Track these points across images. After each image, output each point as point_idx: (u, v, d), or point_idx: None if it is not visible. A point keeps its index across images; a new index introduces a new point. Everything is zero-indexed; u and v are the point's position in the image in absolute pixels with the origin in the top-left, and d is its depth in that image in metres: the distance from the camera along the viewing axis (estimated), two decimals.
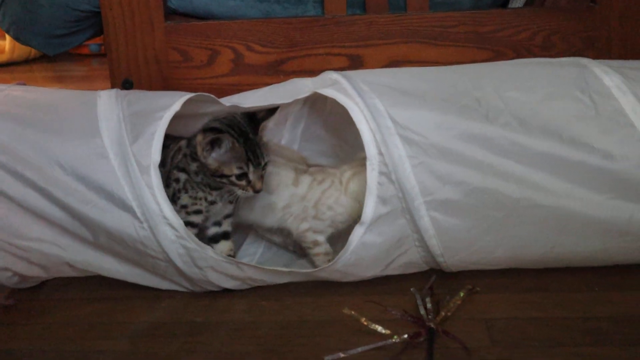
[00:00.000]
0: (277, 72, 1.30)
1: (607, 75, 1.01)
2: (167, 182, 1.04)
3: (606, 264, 1.05)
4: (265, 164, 1.03)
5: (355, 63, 1.29)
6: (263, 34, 1.28)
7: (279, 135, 1.26)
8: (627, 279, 1.04)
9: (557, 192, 0.97)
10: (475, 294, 1.02)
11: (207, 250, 1.00)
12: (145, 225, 0.98)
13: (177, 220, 0.97)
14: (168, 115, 0.99)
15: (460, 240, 1.00)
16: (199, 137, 1.02)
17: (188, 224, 1.03)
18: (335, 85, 1.04)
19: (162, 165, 1.01)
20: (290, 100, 1.07)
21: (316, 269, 1.04)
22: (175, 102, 1.00)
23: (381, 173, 0.97)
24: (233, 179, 1.01)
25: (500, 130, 0.98)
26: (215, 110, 1.08)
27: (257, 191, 1.02)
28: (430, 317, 0.96)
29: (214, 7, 1.32)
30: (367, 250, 1.00)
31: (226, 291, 1.05)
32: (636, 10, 1.25)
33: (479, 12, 1.27)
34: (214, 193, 1.06)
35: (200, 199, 1.06)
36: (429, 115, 0.99)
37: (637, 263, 1.05)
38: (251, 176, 1.01)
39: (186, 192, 1.05)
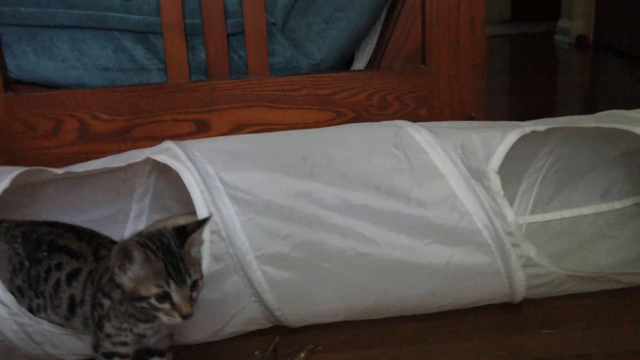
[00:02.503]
0: (124, 139, 1.41)
1: (418, 133, 1.18)
2: (92, 303, 0.97)
3: (438, 309, 1.19)
4: (195, 283, 0.92)
5: (202, 127, 1.42)
6: (108, 102, 1.39)
7: (127, 207, 1.36)
8: (459, 327, 1.17)
9: (379, 240, 1.11)
10: (318, 353, 1.12)
11: (43, 324, 1.05)
12: None
13: (7, 297, 1.03)
14: None
15: (294, 293, 1.12)
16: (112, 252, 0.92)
17: (115, 354, 0.97)
18: (169, 152, 1.16)
19: (91, 282, 0.98)
20: (123, 164, 1.18)
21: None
22: (4, 179, 1.08)
23: (212, 231, 1.08)
24: (153, 301, 0.89)
25: (324, 185, 1.12)
26: (51, 178, 1.17)
27: (184, 316, 0.90)
28: None
29: (57, 77, 1.43)
30: (203, 305, 1.09)
31: None
32: (460, 72, 1.44)
33: (318, 76, 1.44)
34: (142, 326, 0.96)
35: (125, 330, 0.96)
36: (257, 175, 1.12)
37: (465, 308, 1.19)
38: (174, 296, 0.89)
39: (109, 320, 0.96)
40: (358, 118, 1.44)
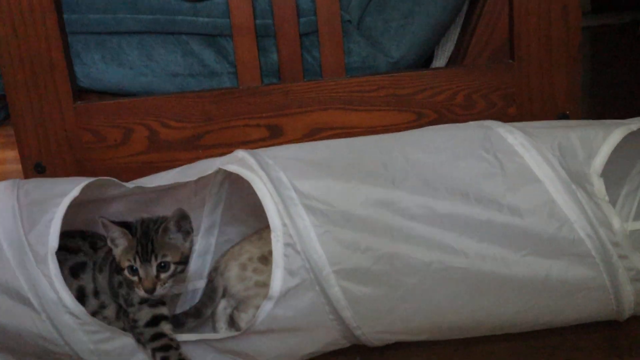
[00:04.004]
0: (195, 147, 1.40)
1: (510, 134, 1.12)
2: (111, 289, 1.14)
3: (533, 327, 1.13)
4: (163, 266, 1.09)
5: (275, 133, 1.40)
6: (177, 109, 1.38)
7: (198, 220, 1.35)
8: (557, 348, 1.11)
9: (469, 252, 1.06)
10: None
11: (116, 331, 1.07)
12: (43, 316, 1.05)
13: (77, 308, 1.04)
14: (66, 201, 1.08)
15: (375, 310, 1.08)
16: None
17: (157, 317, 1.12)
18: (241, 162, 1.15)
19: (100, 270, 1.14)
20: (194, 178, 1.17)
21: (220, 336, 1.12)
22: (74, 188, 1.09)
23: (286, 244, 1.05)
24: (126, 272, 1.09)
25: (406, 193, 1.08)
26: (120, 193, 1.17)
27: (147, 290, 1.08)
28: None
29: (126, 84, 1.43)
30: (278, 323, 1.07)
31: None
32: (553, 66, 1.37)
33: (397, 75, 1.40)
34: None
35: None
36: (334, 184, 1.09)
37: (558, 326, 1.13)
38: (140, 272, 1.08)
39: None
40: (440, 119, 1.39)
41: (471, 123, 1.22)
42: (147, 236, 1.10)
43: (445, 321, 1.10)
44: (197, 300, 1.24)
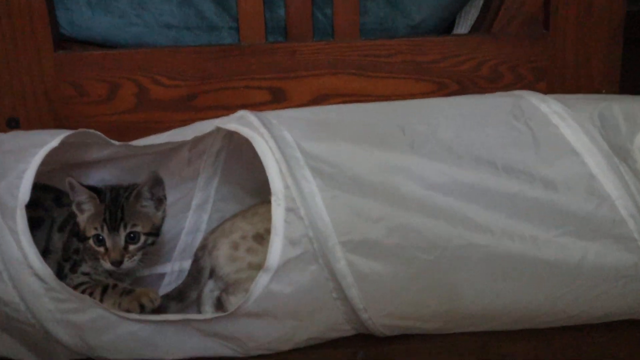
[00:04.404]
0: (188, 108, 1.28)
1: (544, 103, 1.03)
2: (65, 252, 1.05)
3: (558, 322, 1.02)
4: (133, 237, 1.02)
5: (278, 97, 1.29)
6: (171, 64, 1.27)
7: (190, 194, 1.24)
8: (583, 349, 0.99)
9: (495, 229, 0.95)
10: None
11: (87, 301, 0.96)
12: (5, 275, 0.94)
13: (45, 270, 0.93)
14: (43, 152, 0.98)
15: (385, 290, 0.96)
16: None
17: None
18: (241, 120, 1.04)
19: (60, 229, 1.06)
20: (189, 138, 1.07)
21: (207, 317, 0.99)
22: (54, 138, 0.99)
23: (288, 210, 0.94)
24: (91, 242, 1.02)
25: (426, 160, 0.97)
26: (105, 156, 1.07)
27: (113, 262, 1.01)
28: None
29: (114, 34, 1.32)
30: (274, 301, 0.95)
31: None
32: (592, 38, 1.27)
33: (418, 39, 1.29)
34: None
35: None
36: (345, 145, 0.99)
37: (593, 323, 1.02)
38: (107, 241, 1.01)
39: (86, 262, 1.05)
40: (463, 91, 1.29)
41: (500, 93, 1.13)
42: (116, 203, 1.02)
43: (462, 307, 0.98)
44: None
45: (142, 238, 1.03)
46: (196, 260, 1.10)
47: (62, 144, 0.99)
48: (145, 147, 1.10)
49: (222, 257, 1.07)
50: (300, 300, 0.96)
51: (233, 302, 1.04)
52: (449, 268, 0.95)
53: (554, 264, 0.95)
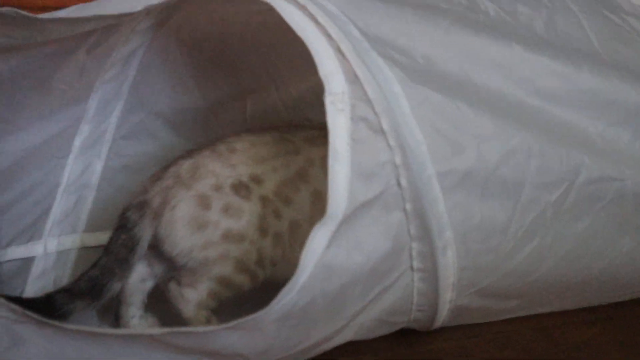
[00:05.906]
0: None
1: None
2: None
3: None
4: None
5: None
6: None
7: (72, 129, 0.78)
8: None
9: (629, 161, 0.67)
10: None
11: None
12: None
13: None
14: None
15: (490, 253, 0.62)
16: None
17: None
18: None
19: None
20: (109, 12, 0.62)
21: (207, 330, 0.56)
22: None
23: (358, 118, 0.56)
24: None
25: (529, 52, 0.66)
26: None
27: None
28: None
29: None
30: (330, 284, 0.56)
31: None
32: None
33: None
34: None
35: None
36: (420, 27, 0.64)
37: None
38: None
39: None
40: None
41: None
42: None
43: (573, 274, 0.68)
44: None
45: None
46: (124, 229, 0.68)
47: None
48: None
49: (182, 221, 0.66)
50: (368, 280, 0.58)
51: (192, 297, 0.65)
52: (571, 215, 0.65)
53: None
